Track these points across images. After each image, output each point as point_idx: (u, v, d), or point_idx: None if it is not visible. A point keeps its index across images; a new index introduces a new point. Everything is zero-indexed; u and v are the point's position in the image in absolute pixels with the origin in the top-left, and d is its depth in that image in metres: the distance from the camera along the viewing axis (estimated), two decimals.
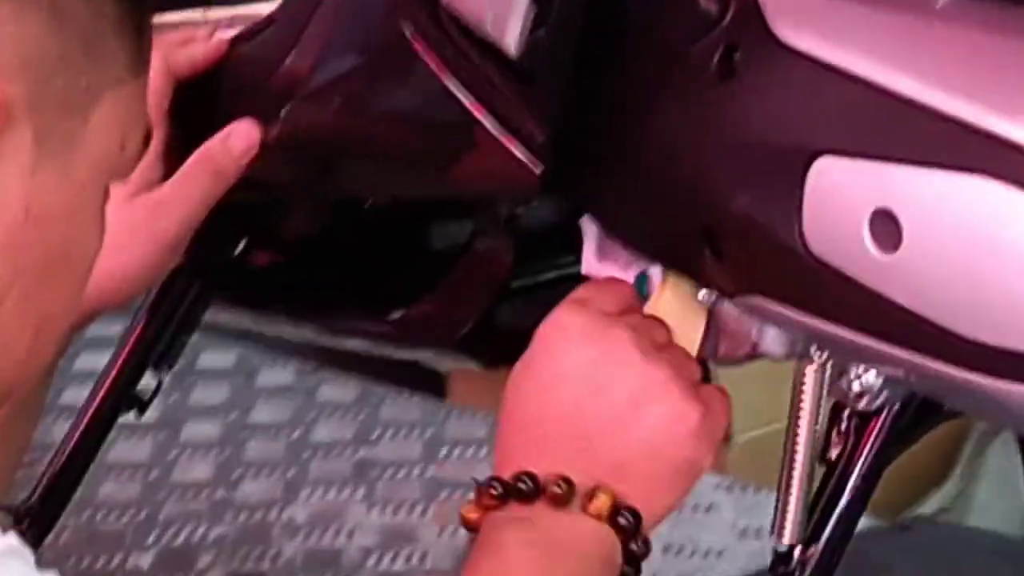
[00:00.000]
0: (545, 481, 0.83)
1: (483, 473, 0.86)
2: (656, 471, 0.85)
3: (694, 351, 0.90)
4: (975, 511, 2.02)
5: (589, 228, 0.95)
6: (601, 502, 0.83)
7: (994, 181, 0.75)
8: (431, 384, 2.03)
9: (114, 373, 1.08)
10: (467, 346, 1.02)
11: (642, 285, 0.92)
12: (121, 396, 1.09)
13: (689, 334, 0.90)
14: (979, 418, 0.91)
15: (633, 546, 0.83)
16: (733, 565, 1.73)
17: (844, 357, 0.87)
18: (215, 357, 2.07)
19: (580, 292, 0.89)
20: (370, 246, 1.09)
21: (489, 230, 1.00)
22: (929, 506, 2.01)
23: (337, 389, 2.07)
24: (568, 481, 0.83)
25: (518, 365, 0.87)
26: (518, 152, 0.90)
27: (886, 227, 0.77)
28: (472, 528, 0.85)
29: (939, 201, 0.76)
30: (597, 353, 0.85)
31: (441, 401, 2.04)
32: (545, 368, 0.86)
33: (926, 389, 0.87)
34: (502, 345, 0.96)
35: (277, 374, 2.10)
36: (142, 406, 1.10)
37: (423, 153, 0.95)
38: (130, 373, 1.08)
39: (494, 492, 0.84)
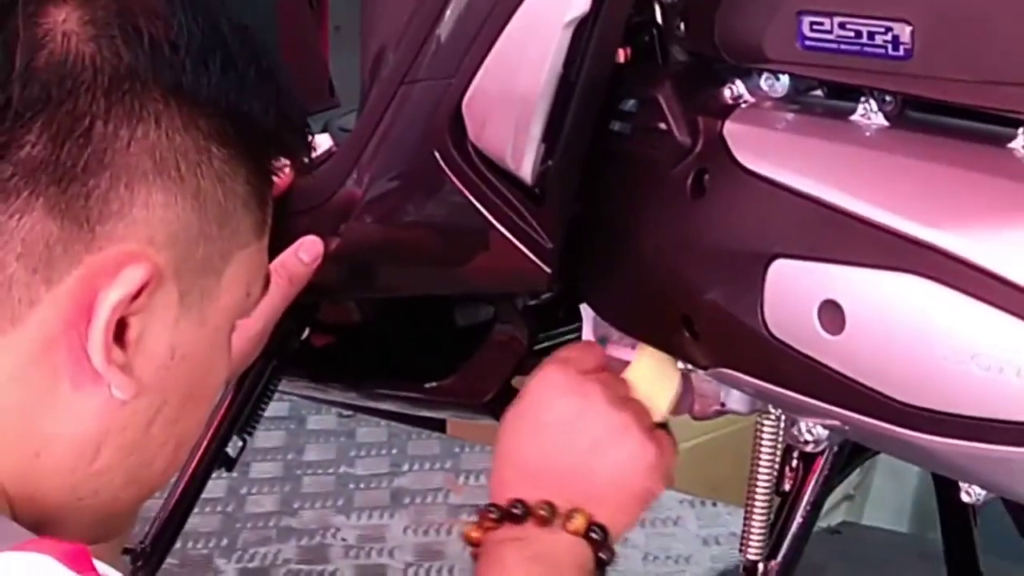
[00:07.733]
0: (533, 506, 0.84)
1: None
2: (621, 497, 0.86)
3: (668, 408, 0.89)
4: (871, 500, 1.97)
5: (587, 311, 0.95)
6: (578, 522, 0.84)
7: (921, 279, 0.74)
8: (435, 422, 2.01)
9: (208, 437, 1.07)
10: (487, 410, 1.01)
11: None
12: (215, 456, 1.08)
13: (665, 394, 0.89)
14: (903, 460, 0.89)
15: (602, 555, 0.84)
16: (701, 567, 1.72)
17: (797, 414, 0.87)
18: (272, 406, 2.10)
19: (563, 352, 0.89)
20: (407, 330, 1.07)
21: (509, 317, 0.99)
22: (835, 494, 1.97)
23: (372, 430, 2.05)
24: (552, 506, 0.84)
25: (511, 411, 0.87)
26: (531, 255, 0.90)
27: (832, 314, 0.77)
28: (474, 544, 0.85)
29: (875, 294, 0.76)
30: (576, 404, 0.85)
31: (444, 435, 2.03)
32: (534, 415, 0.86)
33: (861, 438, 0.87)
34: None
35: (323, 419, 2.09)
36: (230, 463, 1.10)
37: (448, 255, 0.95)
38: (221, 438, 1.07)
39: (492, 516, 0.84)
